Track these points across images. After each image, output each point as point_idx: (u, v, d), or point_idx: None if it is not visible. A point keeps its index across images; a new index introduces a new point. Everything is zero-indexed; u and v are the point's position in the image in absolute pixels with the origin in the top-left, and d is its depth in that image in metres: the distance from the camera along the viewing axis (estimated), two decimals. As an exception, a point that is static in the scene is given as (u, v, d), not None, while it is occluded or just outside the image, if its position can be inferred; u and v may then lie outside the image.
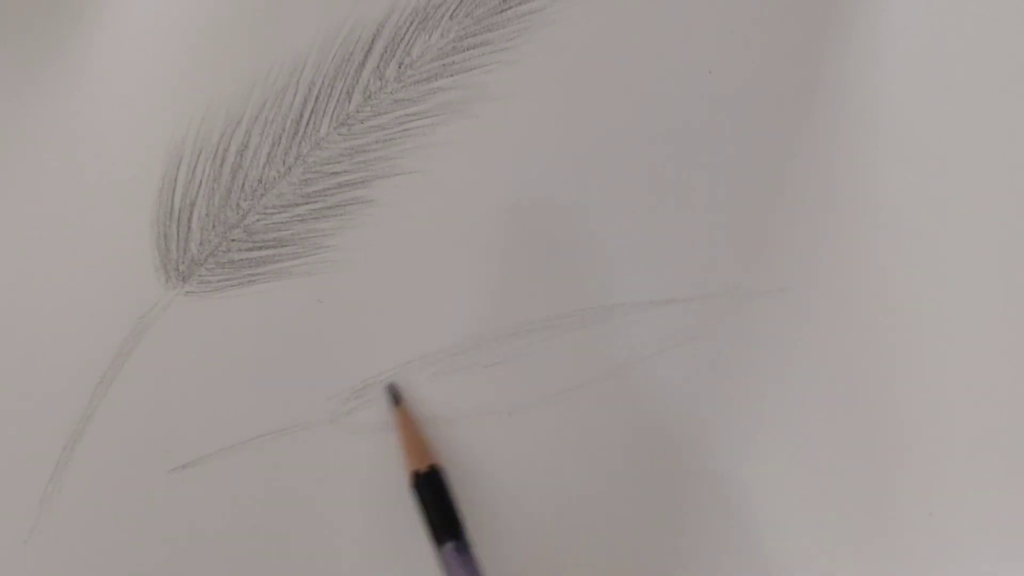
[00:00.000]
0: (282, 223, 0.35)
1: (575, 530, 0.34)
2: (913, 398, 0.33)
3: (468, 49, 0.35)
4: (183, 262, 0.35)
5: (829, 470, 0.33)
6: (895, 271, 0.34)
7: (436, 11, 0.35)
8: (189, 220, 0.36)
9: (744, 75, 0.34)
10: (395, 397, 0.34)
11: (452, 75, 0.35)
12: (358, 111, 0.35)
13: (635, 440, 0.34)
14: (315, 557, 0.34)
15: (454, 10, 0.35)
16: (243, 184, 0.36)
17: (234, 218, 0.36)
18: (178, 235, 0.35)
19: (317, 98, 0.35)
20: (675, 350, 0.34)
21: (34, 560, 0.34)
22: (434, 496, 0.32)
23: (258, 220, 0.35)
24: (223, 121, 0.36)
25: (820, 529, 0.33)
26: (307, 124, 0.36)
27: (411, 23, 0.35)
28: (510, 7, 0.35)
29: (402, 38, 0.35)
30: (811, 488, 0.33)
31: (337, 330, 0.35)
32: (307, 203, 0.35)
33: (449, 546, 0.31)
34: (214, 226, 0.36)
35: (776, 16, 0.34)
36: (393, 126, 0.35)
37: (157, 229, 0.35)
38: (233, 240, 0.35)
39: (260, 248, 0.35)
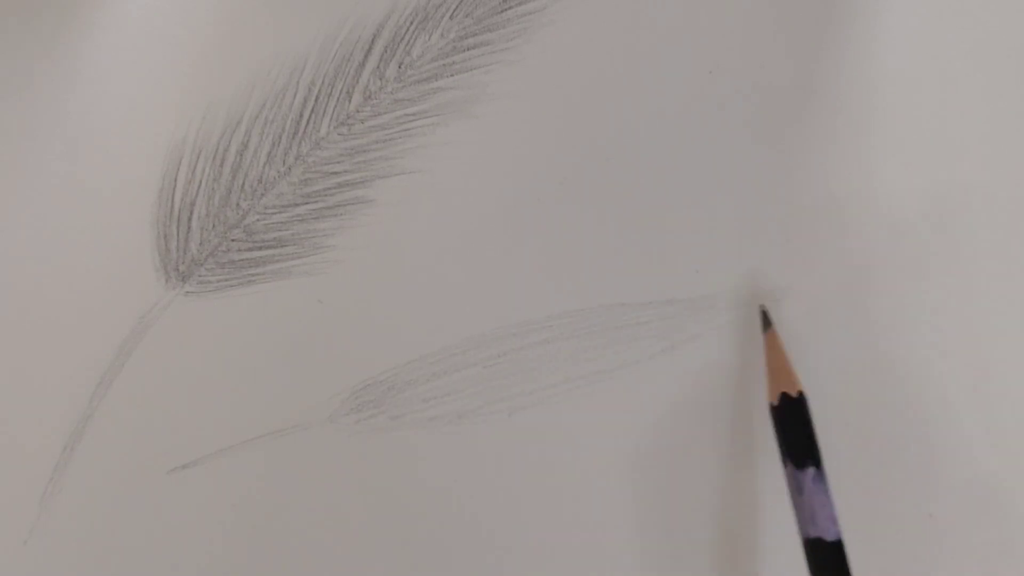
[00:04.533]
0: (282, 223, 0.35)
1: (563, 533, 0.34)
2: (913, 398, 0.33)
3: (468, 49, 0.35)
4: (183, 262, 0.35)
5: (828, 469, 0.33)
6: (894, 270, 0.34)
7: (436, 11, 0.35)
8: (189, 220, 0.36)
9: (744, 75, 0.34)
10: (766, 321, 0.33)
11: (452, 75, 0.35)
12: (358, 111, 0.35)
13: (634, 440, 0.34)
14: (316, 557, 0.34)
15: (454, 10, 0.35)
16: (243, 184, 0.36)
17: (234, 218, 0.36)
18: (178, 235, 0.35)
19: (317, 98, 0.35)
20: (675, 350, 0.34)
21: (34, 560, 0.34)
22: (800, 421, 0.32)
23: (258, 220, 0.35)
24: (223, 121, 0.36)
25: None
26: (307, 124, 0.36)
27: (411, 23, 0.35)
28: (510, 7, 0.35)
29: (402, 38, 0.35)
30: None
31: (337, 330, 0.35)
32: (307, 203, 0.35)
33: (809, 471, 0.31)
34: (214, 226, 0.36)
35: (776, 16, 0.34)
36: (393, 126, 0.35)
37: (157, 229, 0.35)
38: (233, 240, 0.35)
39: (260, 248, 0.35)
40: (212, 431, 0.34)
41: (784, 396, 0.32)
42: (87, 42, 0.36)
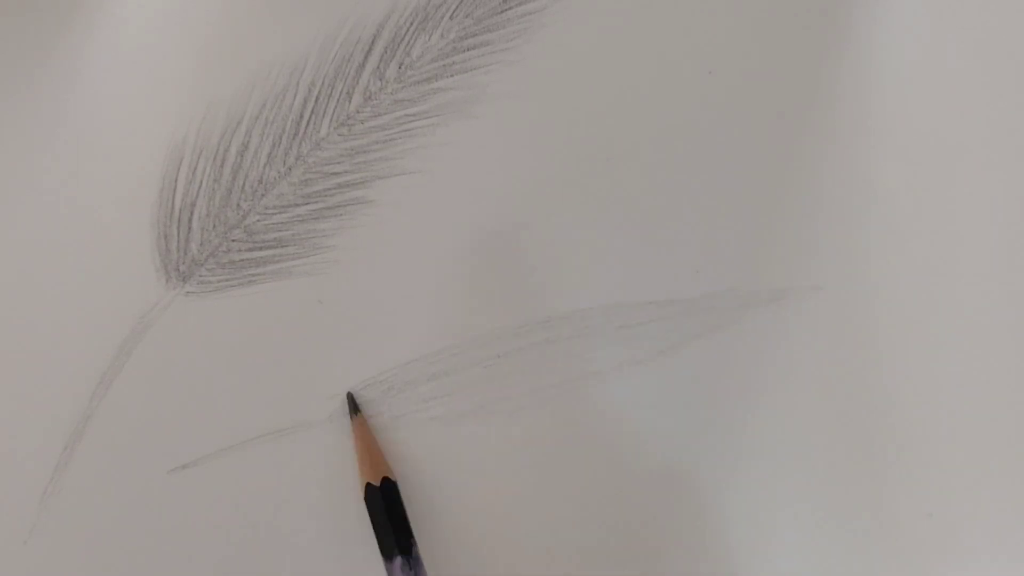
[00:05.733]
0: (282, 223, 0.35)
1: (567, 532, 0.34)
2: (913, 398, 0.33)
3: (468, 50, 0.35)
4: (183, 262, 0.35)
5: (828, 470, 0.33)
6: (894, 271, 0.34)
7: (436, 12, 0.35)
8: (189, 220, 0.36)
9: (744, 75, 0.34)
10: (353, 407, 0.34)
11: (452, 75, 0.35)
12: (358, 111, 0.35)
13: (635, 439, 0.34)
14: (315, 557, 0.34)
15: (454, 10, 0.35)
16: (243, 184, 0.36)
17: (234, 218, 0.36)
18: (178, 235, 0.35)
19: (317, 99, 0.36)
20: (676, 350, 0.34)
21: (34, 560, 0.34)
22: (386, 509, 0.32)
23: (258, 220, 0.36)
24: (224, 121, 0.36)
25: (820, 528, 0.33)
26: (307, 125, 0.36)
27: (411, 23, 0.35)
28: (510, 7, 0.35)
29: (402, 38, 0.35)
30: (811, 487, 0.33)
31: (337, 330, 0.35)
32: (307, 203, 0.35)
33: (397, 561, 0.31)
34: (214, 226, 0.36)
35: (776, 16, 0.34)
36: (393, 126, 0.35)
37: (157, 229, 0.35)
38: (233, 240, 0.35)
39: (260, 248, 0.35)
40: (212, 431, 0.34)
41: (369, 486, 0.32)
42: (87, 42, 0.36)
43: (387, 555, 0.31)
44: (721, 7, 0.34)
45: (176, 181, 0.36)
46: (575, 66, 0.35)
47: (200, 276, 0.35)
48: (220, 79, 0.35)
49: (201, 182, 0.36)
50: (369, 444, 0.33)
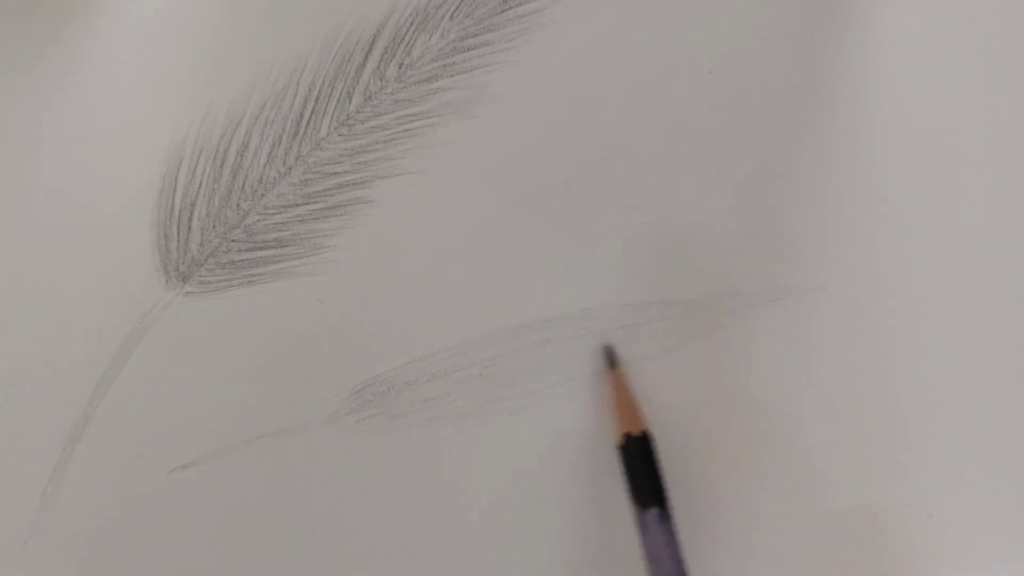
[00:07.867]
0: (282, 223, 0.35)
1: (564, 532, 0.34)
2: (914, 398, 0.33)
3: (468, 50, 0.35)
4: (183, 263, 0.35)
5: (829, 470, 0.33)
6: (894, 271, 0.34)
7: (436, 12, 0.35)
8: (189, 220, 0.36)
9: (744, 75, 0.34)
10: (611, 359, 0.34)
11: (452, 75, 0.35)
12: (358, 111, 0.36)
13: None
14: (316, 557, 0.34)
15: (454, 11, 0.35)
16: (243, 184, 0.36)
17: (234, 218, 0.36)
18: (178, 235, 0.35)
19: (317, 98, 0.36)
20: (676, 350, 0.34)
21: (34, 560, 0.34)
22: (643, 461, 0.32)
23: (258, 220, 0.36)
24: (223, 121, 0.36)
25: (819, 528, 0.33)
26: (307, 124, 0.36)
27: (411, 24, 0.35)
28: (510, 7, 0.35)
29: (402, 39, 0.36)
30: (811, 487, 0.33)
31: (337, 330, 0.35)
32: (307, 203, 0.35)
33: (653, 512, 0.31)
34: (214, 226, 0.36)
35: (776, 16, 0.34)
36: (393, 126, 0.35)
37: (157, 230, 0.35)
38: (233, 240, 0.35)
39: (260, 248, 0.35)
40: (212, 431, 0.34)
41: (628, 436, 0.32)
42: (86, 42, 0.36)
43: (644, 505, 0.32)
44: (721, 7, 0.34)
45: (176, 181, 0.36)
46: (575, 66, 0.35)
47: (200, 276, 0.35)
48: (220, 79, 0.35)
49: (201, 182, 0.36)
50: (627, 396, 0.33)
